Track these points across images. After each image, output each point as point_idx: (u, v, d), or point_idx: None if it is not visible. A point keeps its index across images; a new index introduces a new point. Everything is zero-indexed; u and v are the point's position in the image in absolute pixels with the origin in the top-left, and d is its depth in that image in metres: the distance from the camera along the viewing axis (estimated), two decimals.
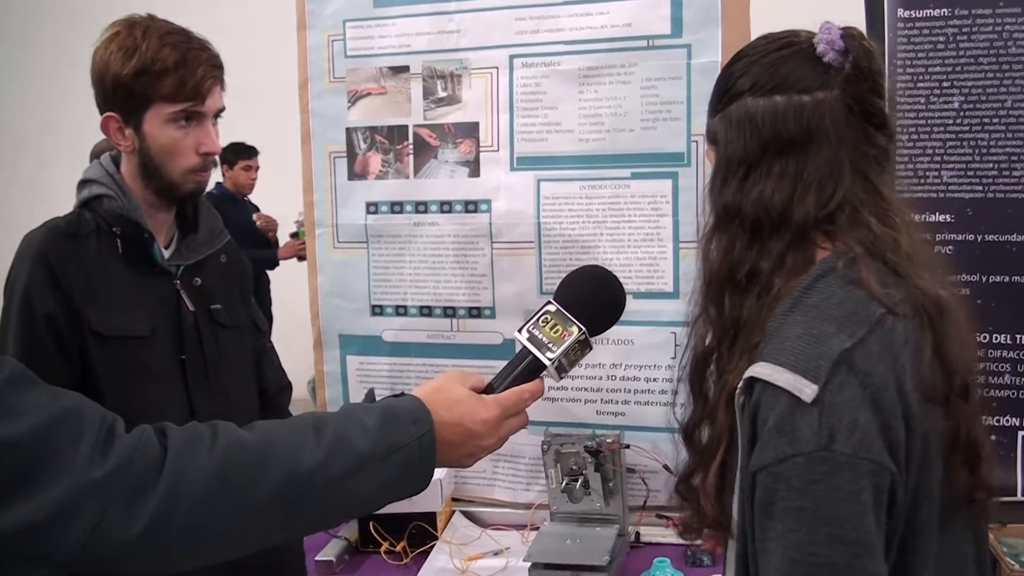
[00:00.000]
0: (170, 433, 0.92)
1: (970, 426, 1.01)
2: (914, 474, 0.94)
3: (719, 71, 1.87)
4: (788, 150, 1.03)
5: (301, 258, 4.36)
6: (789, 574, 0.91)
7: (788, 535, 0.91)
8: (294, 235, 4.83)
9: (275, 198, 4.81)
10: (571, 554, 1.81)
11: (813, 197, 1.03)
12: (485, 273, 2.10)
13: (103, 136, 1.51)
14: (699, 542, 1.91)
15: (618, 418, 2.06)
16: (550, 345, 1.14)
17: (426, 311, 2.16)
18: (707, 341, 1.11)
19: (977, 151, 1.90)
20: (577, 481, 1.91)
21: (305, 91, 2.19)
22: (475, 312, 2.13)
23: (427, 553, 1.97)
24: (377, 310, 2.20)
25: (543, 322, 1.16)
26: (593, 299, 1.21)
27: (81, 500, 0.83)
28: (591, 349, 1.19)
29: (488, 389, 1.13)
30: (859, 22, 1.99)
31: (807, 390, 0.91)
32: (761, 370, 0.95)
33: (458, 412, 1.06)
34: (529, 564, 1.81)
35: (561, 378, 1.18)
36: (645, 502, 2.04)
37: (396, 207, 2.15)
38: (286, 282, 4.29)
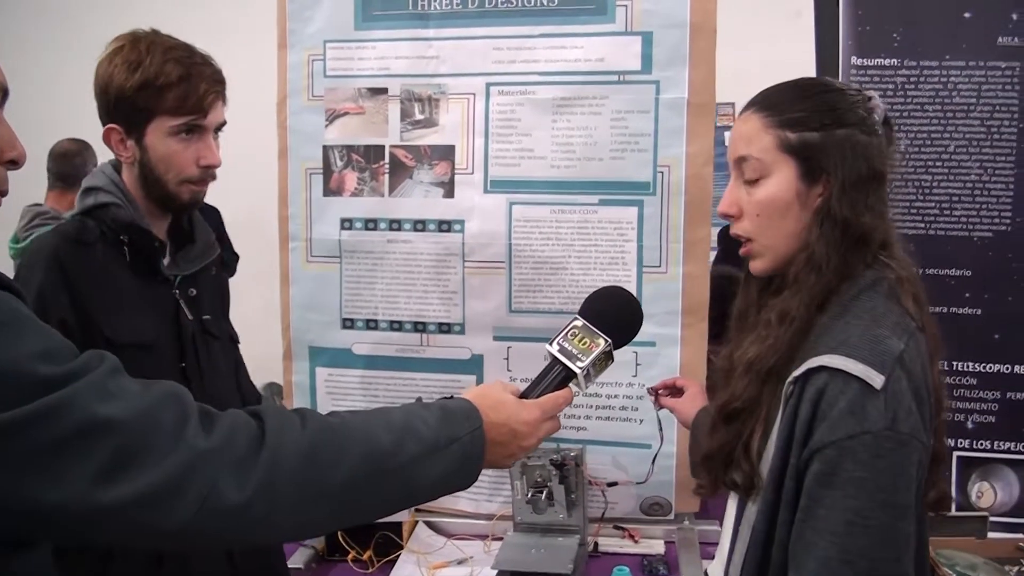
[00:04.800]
0: (264, 414, 0.98)
1: (942, 436, 1.23)
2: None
3: (685, 107, 2.00)
4: (880, 183, 1.22)
5: None
6: (843, 535, 1.05)
7: (846, 501, 1.06)
8: None
9: (251, 211, 4.75)
10: (537, 562, 1.89)
11: (886, 225, 1.22)
12: (456, 290, 2.17)
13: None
14: (657, 553, 2.02)
15: (580, 432, 2.14)
16: (579, 356, 1.23)
17: (396, 325, 2.22)
18: (786, 337, 1.19)
19: (920, 191, 2.05)
20: (542, 493, 1.98)
21: (283, 108, 2.24)
22: (445, 328, 2.19)
23: (393, 562, 2.03)
24: (348, 323, 2.25)
25: (572, 335, 1.24)
26: (616, 315, 1.31)
27: (193, 470, 0.87)
28: (612, 362, 1.27)
29: (522, 397, 1.21)
30: (811, 66, 2.13)
31: (877, 379, 1.07)
32: (834, 361, 1.10)
33: (504, 413, 1.14)
34: (496, 572, 1.88)
35: (587, 387, 1.26)
36: (603, 513, 2.12)
37: (370, 224, 2.21)
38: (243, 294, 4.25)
